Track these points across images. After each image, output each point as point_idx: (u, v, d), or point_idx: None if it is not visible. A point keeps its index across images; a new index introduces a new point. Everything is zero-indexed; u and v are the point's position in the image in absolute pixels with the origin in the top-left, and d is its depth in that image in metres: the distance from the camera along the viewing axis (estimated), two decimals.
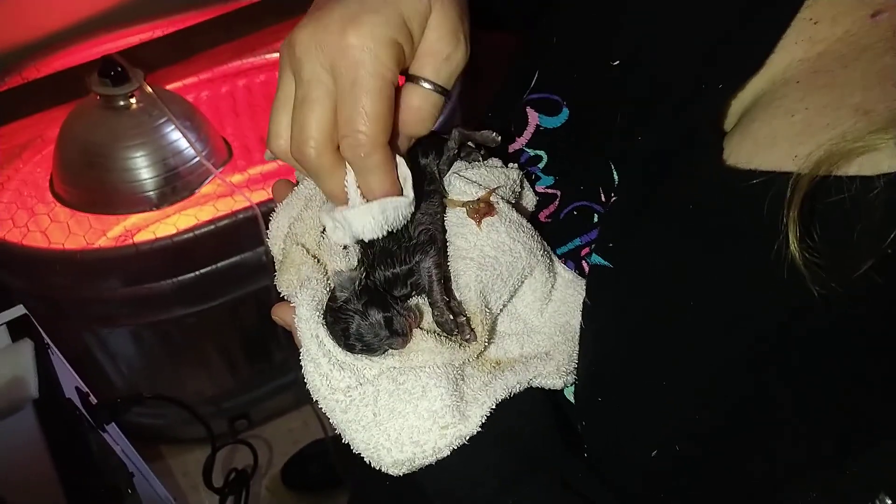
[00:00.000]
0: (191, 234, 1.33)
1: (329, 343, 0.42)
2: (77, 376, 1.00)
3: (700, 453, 0.38)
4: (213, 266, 1.40)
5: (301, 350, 0.43)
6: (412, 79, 0.40)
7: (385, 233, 0.42)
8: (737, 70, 0.42)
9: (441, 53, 0.39)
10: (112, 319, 1.42)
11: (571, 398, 0.50)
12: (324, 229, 0.48)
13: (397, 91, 0.40)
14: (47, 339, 0.90)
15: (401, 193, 0.41)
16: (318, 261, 0.47)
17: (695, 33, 0.44)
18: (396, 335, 0.41)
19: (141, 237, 1.37)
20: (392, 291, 0.43)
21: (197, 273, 1.39)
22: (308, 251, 0.47)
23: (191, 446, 1.72)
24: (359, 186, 0.40)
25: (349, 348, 0.41)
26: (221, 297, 1.47)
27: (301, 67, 0.38)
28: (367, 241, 0.43)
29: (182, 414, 1.34)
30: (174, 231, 1.33)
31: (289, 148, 0.41)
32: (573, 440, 0.47)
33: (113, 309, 1.39)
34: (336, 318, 0.41)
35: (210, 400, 1.69)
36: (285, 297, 0.47)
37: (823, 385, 0.33)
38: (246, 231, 1.38)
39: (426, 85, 0.40)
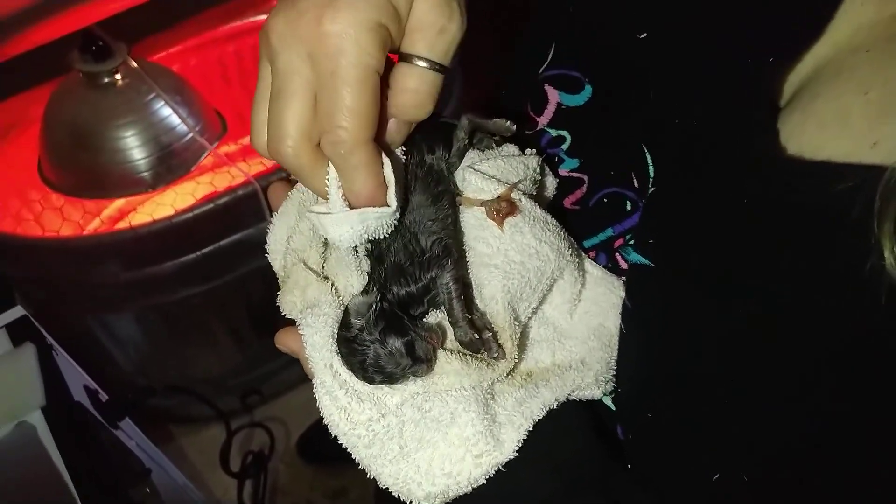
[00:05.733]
0: (190, 215, 1.28)
1: (345, 373, 0.38)
2: (85, 374, 0.98)
3: (773, 487, 0.34)
4: (216, 245, 1.36)
5: (314, 381, 0.39)
6: (405, 57, 0.36)
7: (365, 241, 0.39)
8: (791, 39, 0.36)
9: (434, 26, 0.35)
10: (116, 306, 1.39)
11: (610, 403, 0.46)
12: (326, 240, 0.44)
13: (389, 73, 0.36)
14: (50, 340, 0.87)
15: (385, 198, 0.37)
16: (325, 278, 0.42)
17: None
18: (420, 362, 0.37)
19: (139, 220, 1.33)
20: (409, 311, 0.39)
21: (199, 253, 1.35)
22: (311, 268, 0.43)
23: (206, 424, 1.72)
24: (341, 186, 0.36)
25: (368, 380, 0.37)
26: (226, 275, 1.43)
27: (276, 57, 0.34)
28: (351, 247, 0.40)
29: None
30: (172, 212, 1.28)
31: None
32: (615, 451, 0.44)
33: (116, 295, 1.36)
34: (351, 350, 0.37)
35: (221, 379, 1.68)
36: (289, 317, 0.43)
37: None
38: (246, 207, 1.33)
39: (421, 63, 0.35)
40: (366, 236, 0.38)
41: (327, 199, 0.37)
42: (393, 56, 0.37)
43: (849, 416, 0.31)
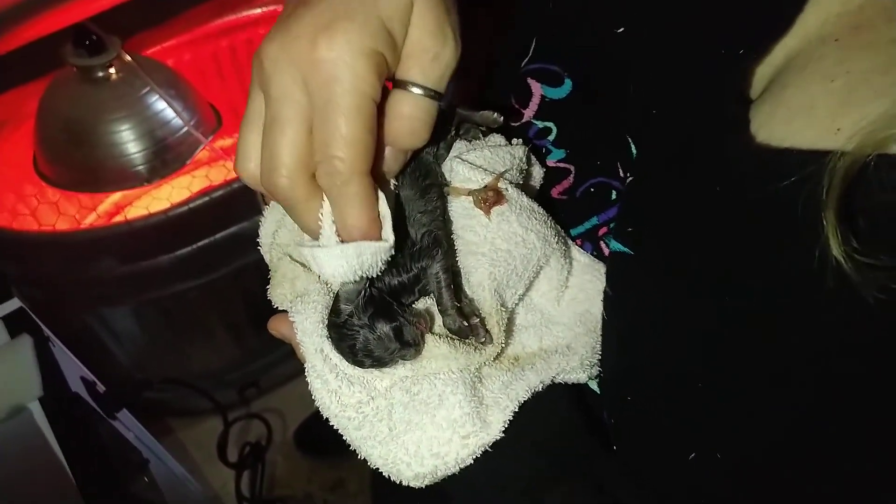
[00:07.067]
0: (185, 208, 1.29)
1: (335, 357, 0.39)
2: (82, 365, 0.99)
3: (745, 464, 0.35)
4: (211, 238, 1.37)
5: (306, 366, 0.40)
6: (399, 84, 0.35)
7: (359, 278, 0.37)
8: (761, 32, 0.37)
9: (428, 52, 0.35)
10: (113, 300, 1.40)
11: (596, 387, 0.47)
12: None
13: (384, 101, 0.35)
14: (47, 332, 0.88)
15: (380, 233, 0.36)
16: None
17: None
18: (408, 346, 0.38)
19: (135, 213, 1.33)
20: (399, 299, 0.40)
21: (195, 246, 1.36)
22: (297, 261, 0.44)
23: (203, 417, 1.73)
24: (334, 221, 0.36)
25: (358, 364, 0.38)
26: (222, 268, 1.44)
27: (270, 84, 0.33)
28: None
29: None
30: (168, 205, 1.29)
31: (259, 173, 0.36)
32: (600, 435, 0.45)
33: (112, 289, 1.37)
34: (341, 335, 0.38)
35: (218, 372, 1.69)
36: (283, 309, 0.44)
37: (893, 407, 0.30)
38: (242, 200, 1.34)
39: (415, 90, 0.35)
40: (360, 273, 0.37)
41: (316, 237, 0.37)
42: (388, 83, 0.36)
43: (824, 412, 0.32)
